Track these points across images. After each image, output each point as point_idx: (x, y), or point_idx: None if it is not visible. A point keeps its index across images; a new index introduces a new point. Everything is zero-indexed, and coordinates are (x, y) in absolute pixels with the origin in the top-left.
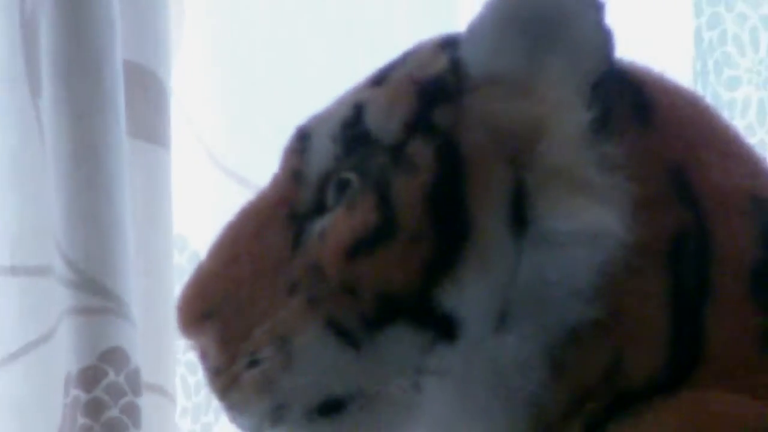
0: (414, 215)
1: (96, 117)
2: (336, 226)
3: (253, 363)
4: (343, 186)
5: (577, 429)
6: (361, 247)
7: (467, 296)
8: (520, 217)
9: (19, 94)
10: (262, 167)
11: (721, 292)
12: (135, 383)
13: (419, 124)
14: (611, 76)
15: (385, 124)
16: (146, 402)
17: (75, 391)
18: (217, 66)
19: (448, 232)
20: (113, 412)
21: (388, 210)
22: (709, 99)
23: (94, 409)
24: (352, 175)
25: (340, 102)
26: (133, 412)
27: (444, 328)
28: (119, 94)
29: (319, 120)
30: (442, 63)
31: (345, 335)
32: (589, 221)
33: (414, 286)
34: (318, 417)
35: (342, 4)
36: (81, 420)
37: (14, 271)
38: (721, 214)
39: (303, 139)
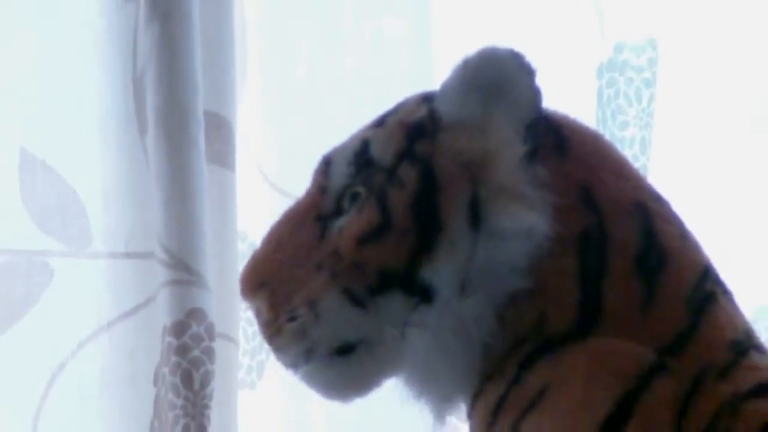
0: (403, 217)
1: (185, 149)
2: (350, 224)
3: (292, 319)
4: (355, 196)
5: (514, 365)
6: (367, 238)
7: (440, 272)
8: (476, 218)
9: (131, 133)
10: (298, 183)
11: (614, 270)
12: (211, 332)
13: (406, 154)
14: (540, 120)
15: (383, 154)
16: (218, 345)
17: (169, 338)
18: (269, 110)
19: (427, 228)
20: (195, 353)
21: (386, 213)
22: (607, 136)
23: (182, 350)
24: (361, 189)
25: (353, 138)
26: (209, 352)
27: (424, 294)
28: (201, 132)
29: (338, 150)
30: (423, 111)
31: (355, 299)
32: (524, 222)
33: (403, 265)
34: (336, 357)
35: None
36: (173, 359)
37: (128, 255)
38: (615, 216)
39: (327, 164)
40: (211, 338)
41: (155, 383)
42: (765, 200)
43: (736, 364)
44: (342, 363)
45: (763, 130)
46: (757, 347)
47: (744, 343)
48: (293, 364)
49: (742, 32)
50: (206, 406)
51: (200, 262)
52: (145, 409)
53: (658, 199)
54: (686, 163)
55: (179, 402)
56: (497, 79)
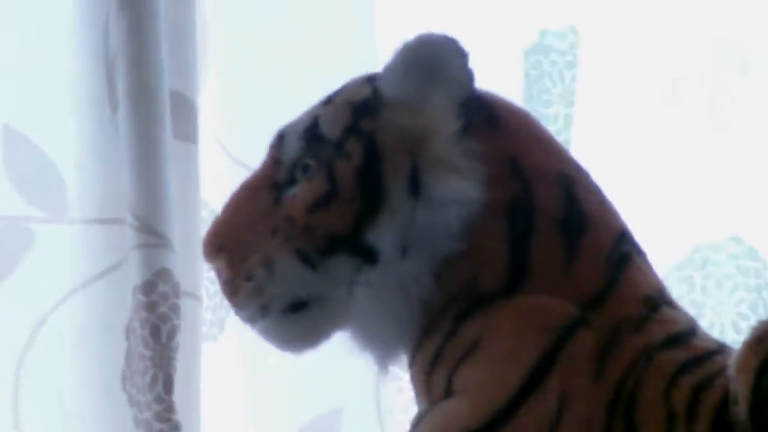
0: (349, 186)
1: (152, 125)
2: (301, 193)
3: (249, 278)
4: (306, 167)
5: (450, 319)
6: (316, 205)
7: (383, 236)
8: (416, 188)
9: (104, 111)
10: (255, 156)
11: (540, 233)
12: (177, 291)
13: (352, 129)
14: (472, 99)
15: (331, 129)
16: (183, 302)
17: (139, 296)
18: (229, 91)
19: (371, 196)
20: (163, 309)
21: (333, 183)
22: (533, 114)
23: (151, 307)
24: (311, 161)
25: (304, 115)
26: (175, 309)
27: (368, 256)
28: (167, 110)
29: (291, 126)
30: (367, 91)
31: (306, 260)
32: (458, 190)
33: (349, 230)
34: (289, 313)
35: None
36: (143, 315)
37: (101, 221)
38: (540, 184)
39: (281, 138)
40: (177, 296)
41: (127, 337)
42: (672, 165)
43: (649, 318)
44: (294, 318)
45: (672, 102)
46: (668, 302)
47: (657, 299)
48: (251, 319)
49: (649, 21)
50: (173, 358)
51: (167, 226)
52: (118, 360)
53: (579, 169)
54: (605, 136)
55: (148, 353)
56: (433, 62)
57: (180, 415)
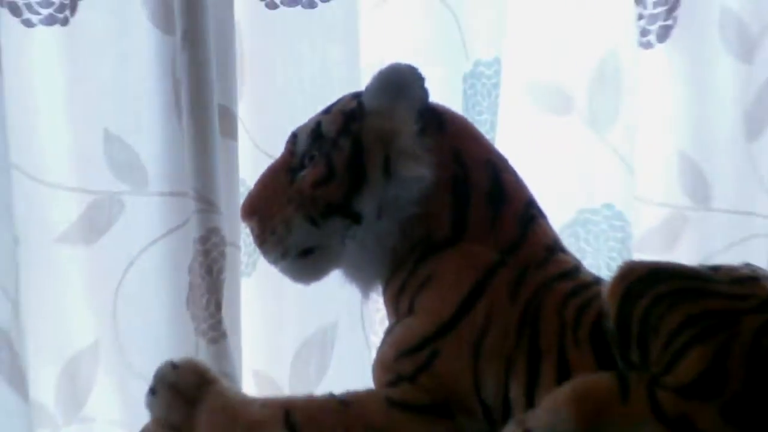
0: (341, 170)
1: (206, 127)
2: (309, 174)
3: (273, 233)
4: (312, 157)
5: (411, 261)
6: (319, 183)
7: (365, 204)
8: (388, 170)
9: (171, 117)
10: (277, 149)
11: (473, 202)
12: (223, 241)
13: (344, 130)
14: (427, 109)
15: (329, 130)
16: (228, 250)
17: (197, 246)
18: (257, 101)
19: (356, 177)
20: (214, 254)
21: (331, 168)
22: (469, 120)
23: (205, 253)
24: (315, 152)
25: (310, 120)
26: (222, 254)
27: (355, 218)
28: (215, 117)
29: (301, 128)
30: (354, 104)
31: (312, 221)
32: (417, 172)
33: (341, 200)
34: (301, 257)
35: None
36: (200, 258)
37: (172, 194)
38: (474, 168)
39: (295, 136)
40: (224, 245)
41: (189, 273)
42: (564, 153)
43: (548, 260)
44: (304, 261)
45: (563, 112)
46: (562, 250)
47: (553, 247)
48: (274, 262)
49: (547, 55)
50: (220, 287)
51: (216, 197)
52: (183, 289)
53: (501, 158)
54: (517, 135)
55: (204, 284)
56: (400, 83)
57: (226, 327)
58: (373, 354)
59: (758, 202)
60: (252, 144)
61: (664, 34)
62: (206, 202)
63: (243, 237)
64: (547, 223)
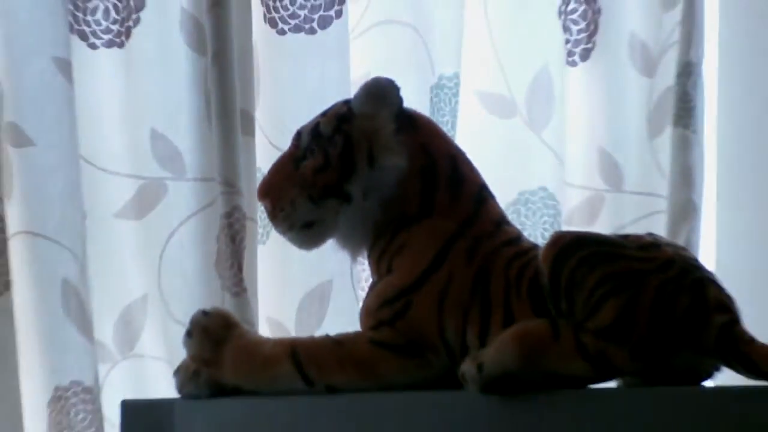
0: (335, 160)
1: (231, 129)
2: (310, 163)
3: (282, 210)
4: (312, 150)
5: (389, 232)
6: (318, 170)
7: (354, 187)
8: (372, 161)
9: (203, 120)
10: (285, 144)
11: (438, 185)
12: (243, 216)
13: (337, 130)
14: (402, 112)
15: (326, 129)
16: (248, 223)
17: (223, 219)
18: (270, 105)
19: (347, 166)
20: (236, 227)
21: (327, 158)
22: (435, 121)
23: (230, 225)
24: (315, 147)
25: (311, 121)
26: (243, 226)
27: (346, 198)
28: (238, 119)
29: (304, 127)
30: (345, 108)
31: (313, 200)
32: (394, 162)
33: (336, 184)
34: (304, 229)
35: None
36: (225, 229)
37: (203, 179)
38: (439, 159)
39: (299, 134)
40: (244, 219)
41: (217, 241)
42: (507, 146)
43: (497, 231)
44: (306, 232)
45: (508, 114)
46: (507, 223)
47: (501, 221)
48: (283, 233)
49: (495, 70)
50: (241, 252)
51: (239, 182)
52: (212, 253)
53: (459, 151)
54: (472, 133)
55: (228, 250)
56: (380, 92)
57: (246, 283)
58: (360, 305)
59: (658, 185)
60: (266, 140)
61: (585, 54)
62: (230, 186)
63: (259, 213)
64: (496, 203)
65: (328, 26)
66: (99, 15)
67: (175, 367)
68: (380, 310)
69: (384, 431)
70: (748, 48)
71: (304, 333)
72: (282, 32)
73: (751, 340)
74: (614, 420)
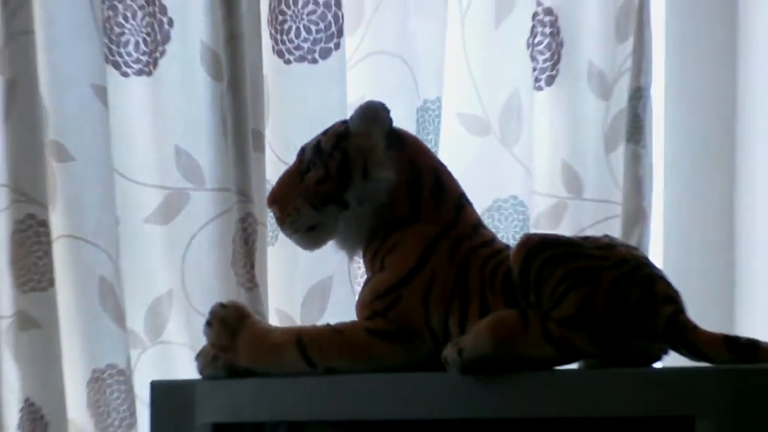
0: (334, 172)
1: (244, 145)
2: (312, 176)
3: (288, 216)
4: (314, 164)
5: (382, 235)
6: (319, 182)
7: (351, 196)
8: (366, 173)
9: (221, 138)
10: (290, 158)
11: (423, 195)
12: (255, 221)
13: (336, 146)
14: (391, 131)
15: (326, 145)
16: (259, 228)
17: (238, 224)
18: (278, 125)
19: (344, 178)
20: (249, 230)
21: (327, 171)
22: (421, 139)
23: (244, 229)
24: (317, 161)
25: (313, 139)
26: (254, 230)
27: (344, 205)
28: (250, 138)
29: (307, 144)
30: (343, 128)
31: (315, 208)
32: (385, 175)
33: (335, 193)
34: (307, 232)
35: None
36: (240, 232)
37: (220, 189)
38: (424, 172)
39: (303, 150)
40: (255, 224)
41: (232, 243)
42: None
43: (474, 233)
44: (310, 234)
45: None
46: (483, 227)
47: (478, 225)
48: (289, 236)
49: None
50: (254, 252)
51: (251, 192)
52: (228, 254)
53: (441, 164)
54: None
55: (242, 251)
56: (373, 114)
57: (258, 279)
58: (356, 298)
59: (613, 194)
60: (274, 156)
61: (550, 81)
62: (243, 195)
63: (268, 219)
64: (473, 209)
65: (328, 57)
66: (130, 47)
67: (197, 352)
68: (374, 302)
69: (376, 408)
70: (690, 74)
71: (307, 322)
72: (288, 62)
73: (695, 328)
74: (576, 396)
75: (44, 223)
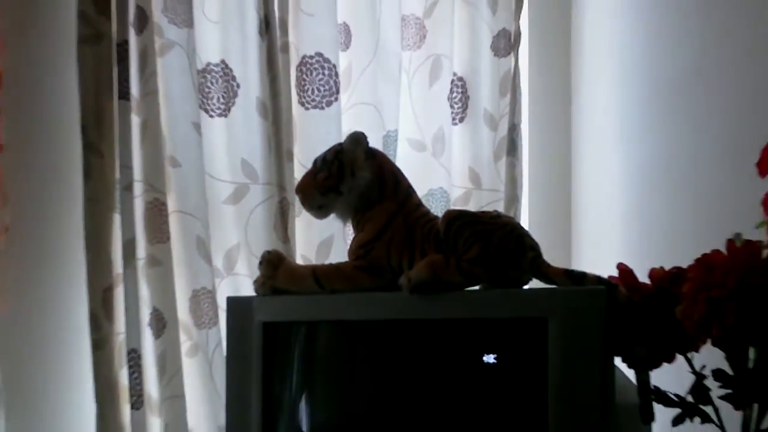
0: (334, 174)
1: (281, 157)
2: (321, 175)
3: (306, 199)
4: (322, 168)
5: (361, 212)
6: (324, 179)
7: (344, 187)
8: (353, 174)
9: (268, 154)
10: (307, 164)
11: (387, 186)
12: (288, 203)
13: (335, 158)
14: (368, 150)
15: (329, 157)
16: (290, 207)
17: (277, 205)
18: (303, 148)
19: (340, 177)
20: (284, 208)
21: (330, 172)
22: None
23: (282, 209)
24: (324, 167)
25: (322, 154)
26: (286, 210)
27: (340, 193)
28: (285, 152)
29: (319, 157)
30: (339, 147)
31: (322, 194)
32: (364, 175)
33: (334, 185)
34: (317, 209)
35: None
36: (279, 209)
37: (268, 183)
38: (388, 175)
39: (316, 161)
40: (288, 205)
41: (274, 216)
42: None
43: (417, 209)
44: (319, 211)
45: (422, 151)
46: (423, 205)
47: (419, 204)
48: (308, 211)
49: (417, 124)
50: (287, 221)
51: (285, 185)
52: (272, 222)
53: (398, 169)
54: (404, 162)
55: (280, 220)
56: (357, 139)
57: (290, 237)
58: (347, 248)
59: (499, 186)
60: (300, 164)
61: (461, 120)
62: (281, 187)
63: (295, 201)
64: (416, 195)
65: (331, 105)
66: (214, 100)
67: (253, 279)
68: (357, 250)
69: (360, 312)
70: (544, 117)
71: (320, 262)
72: (307, 108)
73: (548, 265)
74: (477, 306)
75: (164, 203)
